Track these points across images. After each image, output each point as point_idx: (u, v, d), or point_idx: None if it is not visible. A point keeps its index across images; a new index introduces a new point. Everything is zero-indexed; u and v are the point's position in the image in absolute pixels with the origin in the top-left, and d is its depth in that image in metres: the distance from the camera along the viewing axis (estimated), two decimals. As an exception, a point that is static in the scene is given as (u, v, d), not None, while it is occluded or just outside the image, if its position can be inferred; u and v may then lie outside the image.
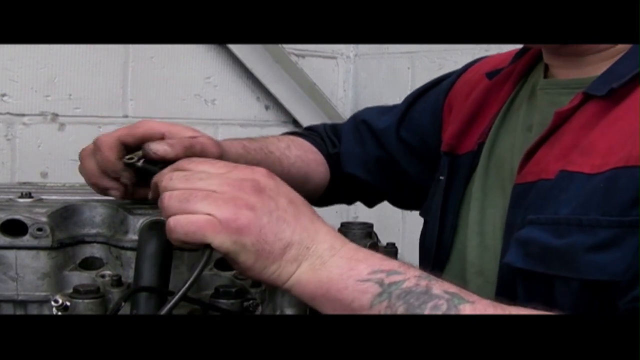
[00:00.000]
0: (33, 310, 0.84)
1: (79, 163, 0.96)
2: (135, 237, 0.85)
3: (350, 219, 2.37)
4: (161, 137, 0.90)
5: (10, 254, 0.83)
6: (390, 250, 0.92)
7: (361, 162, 1.24)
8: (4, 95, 1.80)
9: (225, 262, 0.72)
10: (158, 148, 0.86)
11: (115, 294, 0.82)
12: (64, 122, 1.90)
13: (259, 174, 0.73)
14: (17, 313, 0.85)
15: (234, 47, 2.16)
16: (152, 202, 0.80)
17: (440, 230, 1.04)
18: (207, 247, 0.70)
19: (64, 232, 0.87)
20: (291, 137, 1.24)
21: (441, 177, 1.06)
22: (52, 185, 1.18)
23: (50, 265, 0.84)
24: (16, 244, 0.83)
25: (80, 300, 0.80)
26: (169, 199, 0.71)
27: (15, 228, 0.83)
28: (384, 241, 0.95)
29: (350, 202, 1.35)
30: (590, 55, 0.88)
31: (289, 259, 0.71)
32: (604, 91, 0.82)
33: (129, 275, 0.85)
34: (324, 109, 2.39)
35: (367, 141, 1.24)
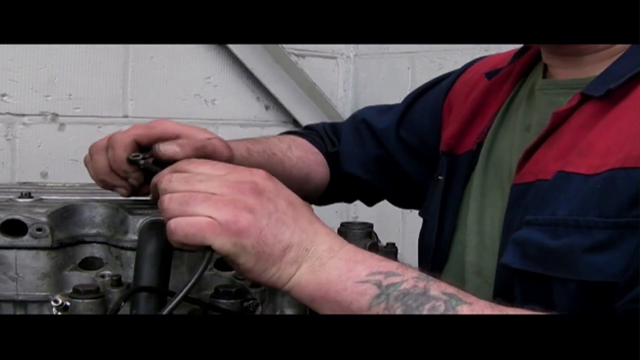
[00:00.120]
0: (33, 310, 0.85)
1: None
2: (135, 237, 0.85)
3: (350, 219, 2.37)
4: (175, 138, 0.90)
5: (10, 254, 0.83)
6: (390, 250, 0.92)
7: (360, 161, 1.24)
8: (4, 95, 1.81)
9: (225, 262, 0.72)
10: (167, 148, 0.86)
11: (115, 294, 0.82)
12: (64, 122, 1.90)
13: (258, 176, 0.74)
14: (17, 313, 0.85)
15: (234, 47, 2.16)
16: (153, 202, 0.80)
17: (439, 230, 1.04)
18: (207, 249, 0.70)
19: (63, 232, 0.87)
20: (291, 137, 1.24)
21: (440, 177, 1.06)
22: (52, 185, 1.18)
23: (50, 265, 0.84)
24: (16, 244, 0.83)
25: (80, 300, 0.80)
26: (168, 202, 0.71)
27: (15, 228, 0.83)
28: (384, 241, 0.95)
29: (349, 200, 1.35)
30: (588, 55, 0.88)
31: (288, 261, 0.71)
32: (602, 92, 0.82)
33: (129, 275, 0.85)
34: (324, 109, 2.39)
35: (367, 141, 1.24)
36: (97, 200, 0.92)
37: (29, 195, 0.93)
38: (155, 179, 0.78)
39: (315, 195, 1.23)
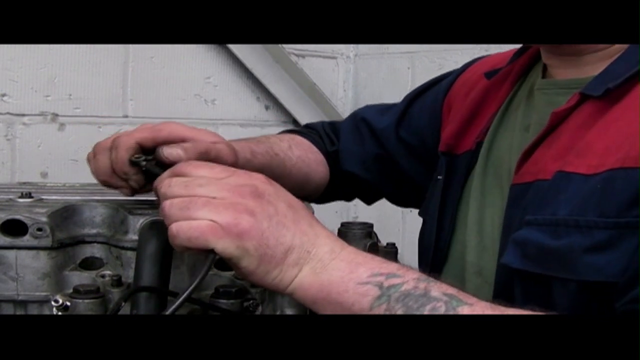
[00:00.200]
0: (33, 310, 0.85)
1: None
2: (135, 237, 0.85)
3: (350, 219, 2.37)
4: (181, 141, 0.90)
5: (10, 254, 0.83)
6: (390, 250, 0.92)
7: (360, 160, 1.24)
8: (4, 95, 1.80)
9: (225, 262, 0.72)
10: (171, 152, 0.86)
11: (115, 294, 0.82)
12: (64, 122, 1.90)
13: (258, 180, 0.74)
14: (17, 313, 0.85)
15: (234, 47, 2.16)
16: (153, 202, 0.80)
17: (439, 230, 1.04)
18: (210, 252, 0.70)
19: (64, 232, 0.87)
20: (291, 136, 1.24)
21: (439, 177, 1.06)
22: (52, 185, 1.18)
23: (50, 265, 0.84)
24: (16, 244, 0.83)
25: (80, 300, 0.80)
26: (169, 208, 0.71)
27: (15, 228, 0.83)
28: (384, 241, 0.95)
29: (349, 199, 1.36)
30: (588, 55, 0.88)
31: (290, 263, 0.71)
32: (600, 91, 0.82)
33: (129, 275, 0.85)
34: (324, 109, 2.39)
35: (367, 140, 1.24)
36: (97, 200, 0.92)
37: (29, 195, 0.93)
38: (155, 183, 0.78)
39: (315, 194, 1.24)
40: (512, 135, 0.97)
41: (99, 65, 1.94)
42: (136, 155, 0.89)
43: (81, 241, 0.89)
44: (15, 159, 1.84)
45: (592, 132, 0.82)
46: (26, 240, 0.83)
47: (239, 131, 2.23)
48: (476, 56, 1.22)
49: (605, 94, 0.82)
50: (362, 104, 1.35)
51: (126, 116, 2.01)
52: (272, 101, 2.33)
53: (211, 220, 0.69)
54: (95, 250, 0.89)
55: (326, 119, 2.31)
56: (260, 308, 0.87)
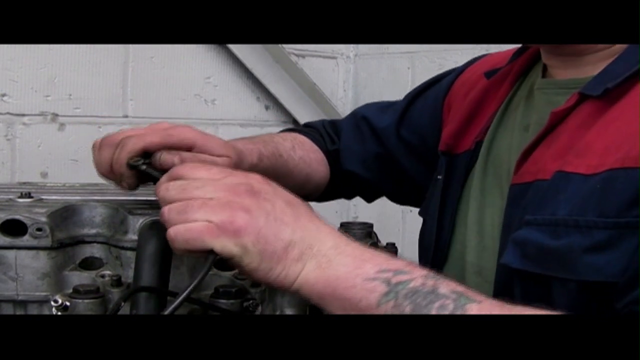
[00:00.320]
0: (33, 310, 0.85)
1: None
2: (135, 237, 0.85)
3: (350, 219, 2.37)
4: (189, 148, 0.91)
5: (10, 254, 0.83)
6: (390, 251, 0.92)
7: (361, 158, 1.24)
8: (4, 95, 1.80)
9: (225, 262, 0.72)
10: (166, 160, 0.88)
11: (115, 294, 0.82)
12: (64, 122, 1.90)
13: (253, 179, 0.74)
14: (17, 313, 0.85)
15: (234, 47, 2.16)
16: (152, 202, 0.80)
17: (439, 229, 1.04)
18: (211, 253, 0.70)
19: (63, 232, 0.87)
20: (294, 135, 1.25)
21: (439, 177, 1.06)
22: (52, 185, 1.18)
23: (50, 265, 0.84)
24: (16, 244, 0.83)
25: (80, 300, 0.80)
26: (168, 213, 0.72)
27: (15, 228, 0.83)
28: (384, 241, 0.95)
29: (349, 197, 1.36)
30: (588, 55, 0.88)
31: (293, 258, 0.71)
32: (599, 91, 0.82)
33: (128, 275, 0.85)
34: (324, 109, 2.39)
35: (367, 138, 1.24)
36: (97, 200, 0.92)
37: (29, 195, 0.93)
38: (156, 187, 0.78)
39: (315, 193, 1.24)
40: (511, 135, 0.97)
41: (99, 65, 1.94)
42: (135, 159, 0.89)
43: (81, 241, 0.89)
44: (15, 159, 1.84)
45: (592, 132, 0.82)
46: (26, 240, 0.83)
47: (239, 131, 2.23)
48: (476, 56, 1.22)
49: (604, 94, 0.82)
50: (362, 104, 1.35)
51: (126, 116, 2.01)
52: (272, 101, 2.33)
53: (207, 221, 0.69)
54: (95, 250, 0.89)
55: (326, 118, 2.31)
56: (260, 308, 0.87)
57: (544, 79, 0.96)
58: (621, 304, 0.72)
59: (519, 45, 1.03)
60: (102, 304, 0.81)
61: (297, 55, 2.35)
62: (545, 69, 0.97)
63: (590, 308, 0.76)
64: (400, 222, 2.30)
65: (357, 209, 2.46)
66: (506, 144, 0.97)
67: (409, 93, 1.26)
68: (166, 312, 0.67)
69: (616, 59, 0.85)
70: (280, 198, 0.74)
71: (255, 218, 0.70)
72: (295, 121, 2.36)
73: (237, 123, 2.26)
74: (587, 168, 0.79)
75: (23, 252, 0.83)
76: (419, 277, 0.70)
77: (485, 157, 1.00)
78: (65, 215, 0.88)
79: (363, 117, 1.26)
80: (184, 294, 0.68)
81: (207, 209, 0.70)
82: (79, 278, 0.86)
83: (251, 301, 0.86)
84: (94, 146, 0.96)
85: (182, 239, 0.70)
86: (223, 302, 0.84)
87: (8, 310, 0.84)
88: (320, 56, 2.46)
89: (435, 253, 1.04)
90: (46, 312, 0.83)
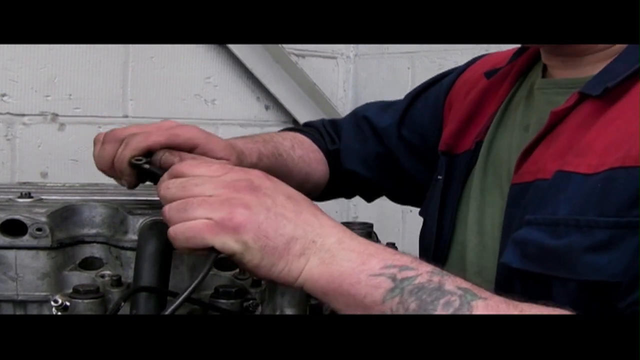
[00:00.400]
0: (33, 310, 0.84)
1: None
2: (135, 237, 0.85)
3: (350, 219, 2.37)
4: (191, 148, 0.92)
5: (10, 254, 0.83)
6: (390, 250, 0.92)
7: (361, 158, 1.24)
8: (4, 95, 1.80)
9: (225, 262, 0.72)
10: (168, 161, 0.89)
11: (115, 294, 0.82)
12: (64, 122, 1.90)
13: (254, 175, 0.74)
14: (17, 313, 0.85)
15: (234, 47, 2.16)
16: (152, 202, 0.80)
17: (439, 229, 1.04)
18: (212, 251, 0.70)
19: (63, 232, 0.87)
20: (294, 134, 1.25)
21: (439, 177, 1.06)
22: (52, 185, 1.18)
23: (50, 265, 0.84)
24: (16, 244, 0.83)
25: (80, 300, 0.80)
26: (169, 211, 0.72)
27: (15, 228, 0.83)
28: (384, 241, 0.95)
29: (349, 196, 1.36)
30: (588, 55, 0.88)
31: (295, 254, 0.70)
32: (599, 91, 0.82)
33: (128, 275, 0.85)
34: (324, 109, 2.39)
35: (368, 138, 1.24)
36: (97, 200, 0.92)
37: (29, 195, 0.93)
38: (157, 185, 0.78)
39: (314, 193, 1.24)
40: (511, 135, 0.97)
41: (99, 65, 1.94)
42: (137, 158, 0.89)
43: (81, 241, 0.89)
44: (15, 159, 1.84)
45: (592, 131, 0.82)
46: (26, 240, 0.83)
47: (239, 131, 2.23)
48: (476, 56, 1.22)
49: (604, 93, 0.82)
50: (362, 104, 1.35)
51: (126, 116, 2.01)
52: (272, 101, 2.33)
53: (207, 218, 0.69)
54: (94, 250, 0.89)
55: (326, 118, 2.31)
56: (260, 308, 0.87)
57: (544, 79, 0.96)
58: (623, 304, 0.72)
59: (519, 45, 1.03)
60: (102, 304, 0.81)
61: (297, 55, 2.35)
62: (545, 69, 0.97)
63: (591, 308, 0.76)
64: (400, 222, 2.30)
65: (357, 209, 2.46)
66: (506, 143, 0.97)
67: (410, 93, 1.26)
68: (167, 312, 0.67)
69: (616, 58, 0.85)
70: (281, 193, 0.73)
71: (255, 214, 0.70)
72: (295, 121, 2.36)
73: (237, 123, 2.26)
74: (588, 167, 0.79)
75: (23, 252, 0.83)
76: (424, 273, 0.69)
77: (485, 157, 1.00)
78: (65, 215, 0.88)
79: (364, 116, 1.26)
80: (185, 293, 0.68)
81: (206, 206, 0.69)
82: (79, 278, 0.86)
83: (251, 301, 0.86)
84: (96, 140, 0.96)
85: (182, 238, 0.70)
86: (223, 302, 0.84)
87: (8, 310, 0.84)
88: (320, 56, 2.46)
89: (435, 253, 1.04)
90: (46, 312, 0.83)
